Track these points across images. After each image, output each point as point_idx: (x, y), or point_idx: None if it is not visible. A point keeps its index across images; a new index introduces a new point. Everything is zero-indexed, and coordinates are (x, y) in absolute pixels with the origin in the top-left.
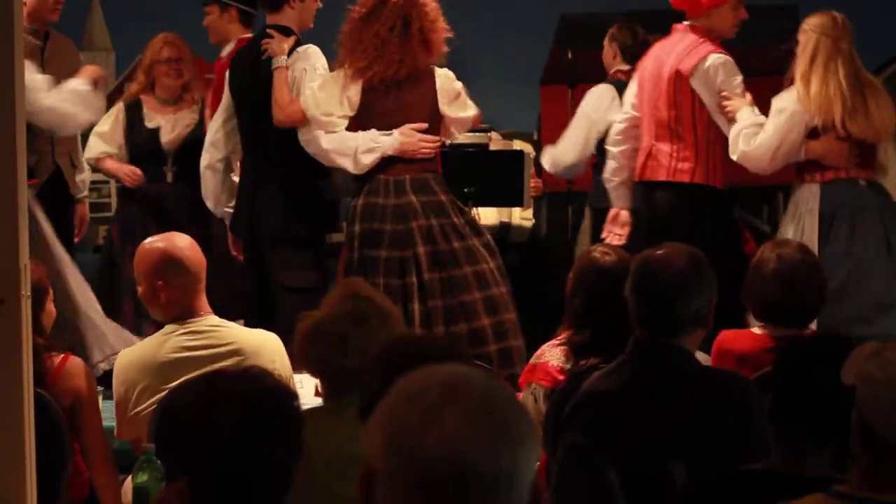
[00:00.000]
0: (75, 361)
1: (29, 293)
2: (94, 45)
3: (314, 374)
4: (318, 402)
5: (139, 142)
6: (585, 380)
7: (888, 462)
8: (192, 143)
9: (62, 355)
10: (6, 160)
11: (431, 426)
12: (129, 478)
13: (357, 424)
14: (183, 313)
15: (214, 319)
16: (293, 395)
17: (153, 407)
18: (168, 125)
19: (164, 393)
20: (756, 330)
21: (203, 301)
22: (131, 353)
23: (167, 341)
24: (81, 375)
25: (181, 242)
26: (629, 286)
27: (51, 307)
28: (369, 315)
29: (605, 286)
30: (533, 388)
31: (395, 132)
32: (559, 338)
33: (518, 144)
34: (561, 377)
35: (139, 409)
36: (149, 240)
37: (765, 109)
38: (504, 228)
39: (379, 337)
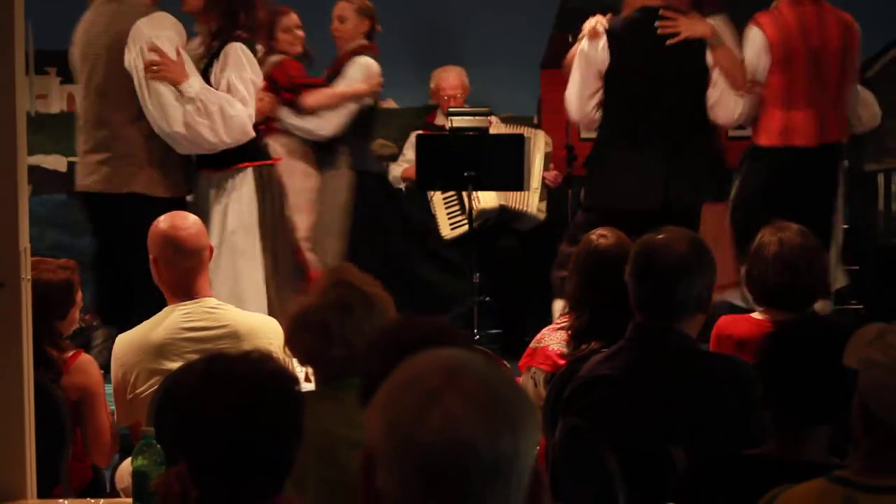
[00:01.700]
0: (85, 358)
1: (29, 276)
2: None
3: (301, 362)
4: (309, 387)
5: None
6: (585, 364)
7: (889, 447)
8: None
9: (73, 352)
10: (6, 145)
11: (432, 410)
12: (128, 461)
13: (354, 409)
14: (181, 294)
15: (212, 301)
16: (294, 379)
17: (152, 389)
18: None
19: (161, 375)
20: (756, 315)
21: (202, 283)
22: (128, 336)
23: (164, 322)
24: (91, 371)
25: (182, 223)
26: (629, 270)
27: (75, 314)
28: (353, 304)
29: (602, 269)
30: (533, 373)
31: None
32: (559, 322)
33: (541, 138)
34: (561, 361)
35: (137, 391)
36: (158, 218)
37: None
38: (504, 212)
39: (364, 326)
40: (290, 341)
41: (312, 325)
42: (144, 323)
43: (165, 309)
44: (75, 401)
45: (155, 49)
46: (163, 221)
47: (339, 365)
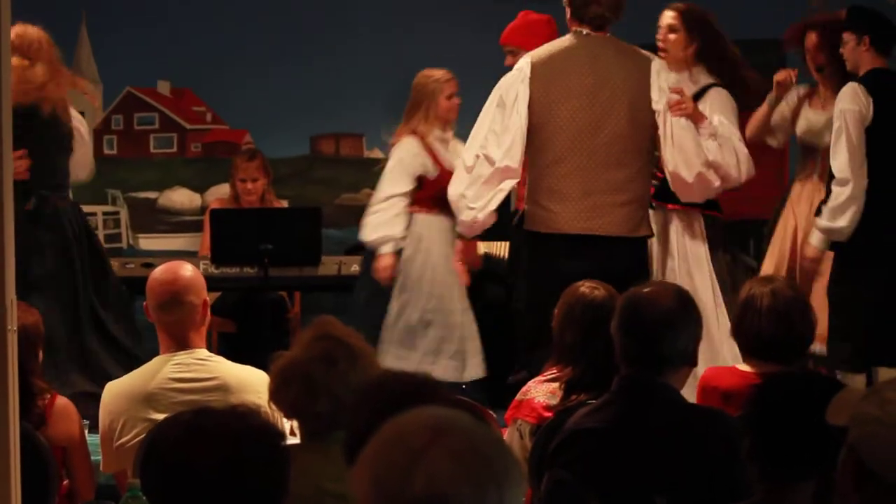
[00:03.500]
0: (63, 402)
1: (15, 328)
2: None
3: (287, 416)
4: (295, 441)
5: None
6: (571, 416)
7: (882, 502)
8: None
9: (49, 395)
10: None
11: (418, 467)
12: None
13: (339, 463)
14: (173, 344)
15: (203, 353)
16: (280, 434)
17: (138, 438)
18: None
19: (149, 424)
20: (742, 366)
21: (195, 334)
22: (118, 385)
23: (155, 373)
24: (72, 416)
25: (174, 275)
26: (615, 323)
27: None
28: (338, 357)
29: (595, 321)
30: (519, 425)
31: None
32: (546, 374)
33: None
34: (546, 414)
35: (124, 439)
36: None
37: None
38: (489, 261)
39: (349, 379)
40: (275, 395)
41: (297, 379)
42: (135, 371)
43: (157, 358)
44: (61, 447)
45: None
46: (158, 270)
47: (324, 418)
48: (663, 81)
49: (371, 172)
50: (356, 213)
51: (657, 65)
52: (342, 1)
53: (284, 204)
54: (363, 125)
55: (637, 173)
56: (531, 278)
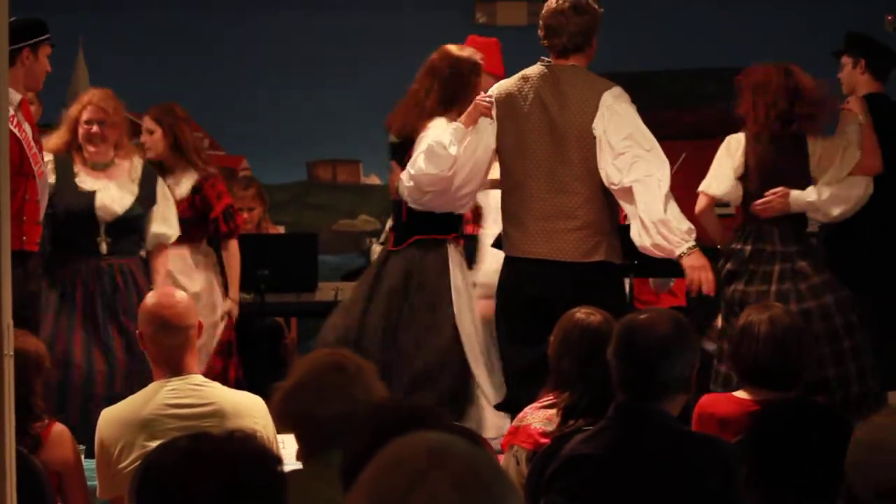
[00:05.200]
0: (60, 428)
1: (12, 352)
2: None
3: (290, 427)
4: (291, 467)
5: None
6: (568, 442)
7: None
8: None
9: (48, 422)
10: None
11: (418, 490)
12: None
13: (336, 487)
14: (167, 370)
15: (199, 378)
16: (277, 459)
17: (135, 464)
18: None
19: (145, 449)
20: (738, 393)
21: (190, 360)
22: (114, 410)
23: (151, 398)
24: (67, 443)
25: (169, 300)
26: (612, 350)
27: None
28: (345, 364)
29: (592, 347)
30: (515, 451)
31: None
32: (542, 401)
33: None
34: (543, 440)
35: (121, 465)
36: (148, 294)
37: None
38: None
39: (356, 386)
40: (281, 409)
41: (305, 388)
42: (130, 398)
43: (152, 385)
44: (57, 473)
45: None
46: (151, 297)
47: (328, 431)
48: (612, 112)
49: (367, 198)
50: (353, 239)
51: (610, 94)
52: (339, 29)
53: (281, 230)
54: (360, 151)
55: (588, 199)
56: (499, 298)
